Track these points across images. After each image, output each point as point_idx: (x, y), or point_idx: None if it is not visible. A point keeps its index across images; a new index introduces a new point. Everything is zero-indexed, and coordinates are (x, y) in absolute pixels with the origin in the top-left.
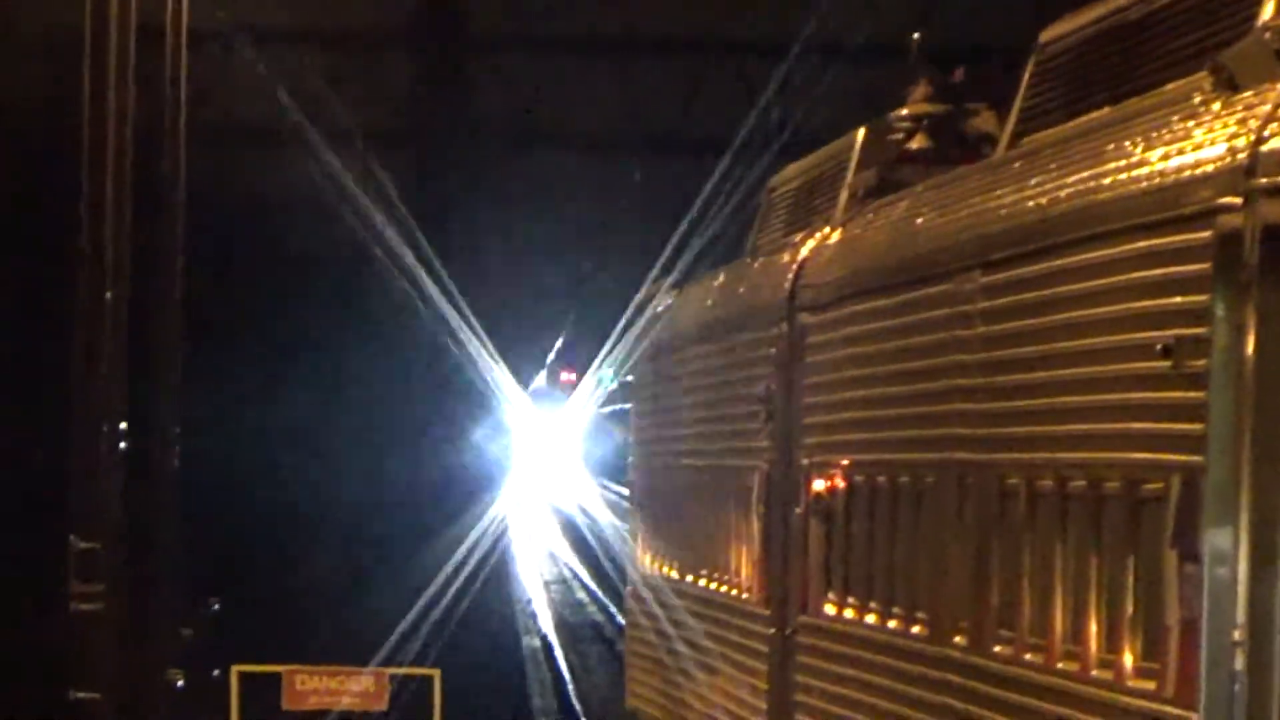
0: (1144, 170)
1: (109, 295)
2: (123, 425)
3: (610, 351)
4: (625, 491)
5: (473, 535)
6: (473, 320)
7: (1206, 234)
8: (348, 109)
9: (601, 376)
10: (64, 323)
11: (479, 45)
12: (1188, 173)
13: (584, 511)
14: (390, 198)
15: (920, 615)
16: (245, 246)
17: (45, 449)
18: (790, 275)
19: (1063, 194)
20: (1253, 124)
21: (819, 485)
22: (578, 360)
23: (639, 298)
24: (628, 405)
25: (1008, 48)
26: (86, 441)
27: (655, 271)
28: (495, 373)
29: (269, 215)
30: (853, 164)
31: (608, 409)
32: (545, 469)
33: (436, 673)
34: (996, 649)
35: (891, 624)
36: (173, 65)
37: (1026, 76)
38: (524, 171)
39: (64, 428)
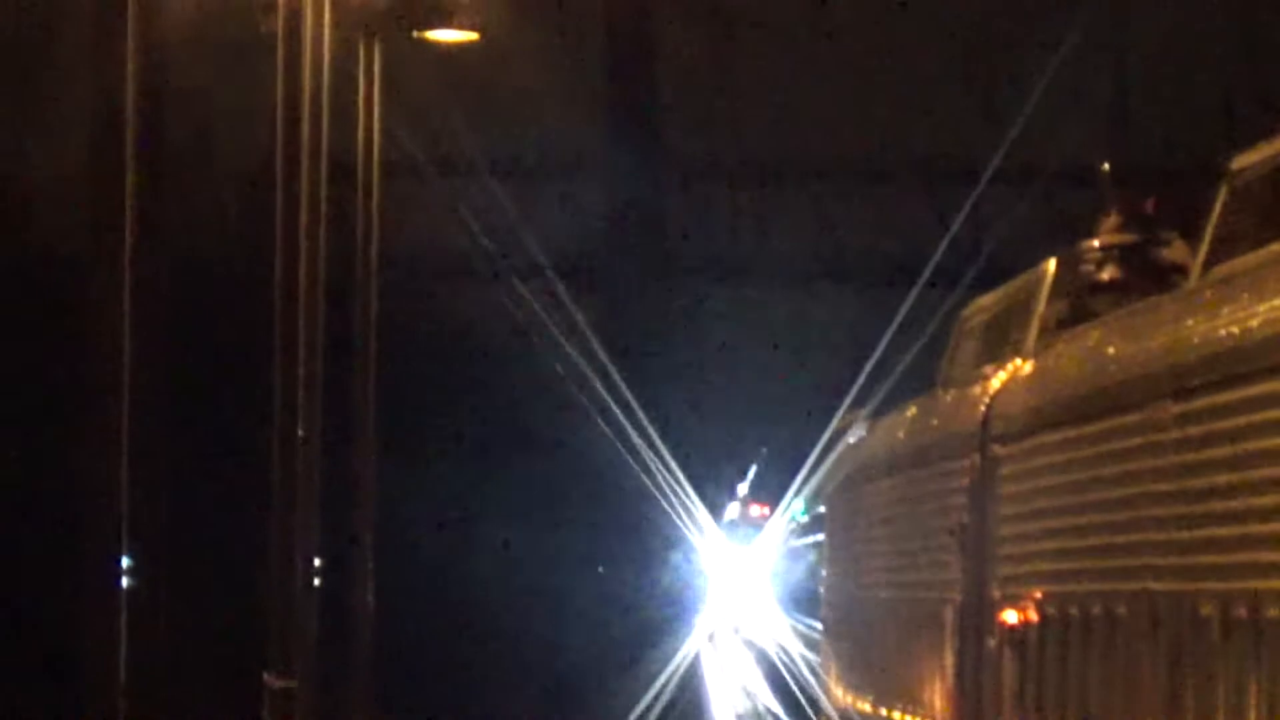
0: None
1: (300, 433)
2: (317, 562)
3: (803, 484)
4: (818, 625)
5: (666, 671)
6: (665, 454)
7: None
8: (541, 242)
9: (794, 510)
10: (261, 460)
11: (674, 176)
12: None
13: (777, 645)
14: (583, 331)
15: None
16: (439, 380)
17: (243, 586)
18: (982, 407)
19: (1255, 323)
20: None
21: (1012, 617)
22: (770, 492)
23: (831, 429)
24: (820, 537)
25: (1199, 173)
26: (283, 578)
27: (847, 402)
28: (689, 507)
29: (463, 348)
30: (1044, 294)
31: (800, 541)
32: (739, 602)
33: None
34: None
35: None
36: (364, 199)
37: (1218, 204)
38: (717, 302)
39: (261, 564)
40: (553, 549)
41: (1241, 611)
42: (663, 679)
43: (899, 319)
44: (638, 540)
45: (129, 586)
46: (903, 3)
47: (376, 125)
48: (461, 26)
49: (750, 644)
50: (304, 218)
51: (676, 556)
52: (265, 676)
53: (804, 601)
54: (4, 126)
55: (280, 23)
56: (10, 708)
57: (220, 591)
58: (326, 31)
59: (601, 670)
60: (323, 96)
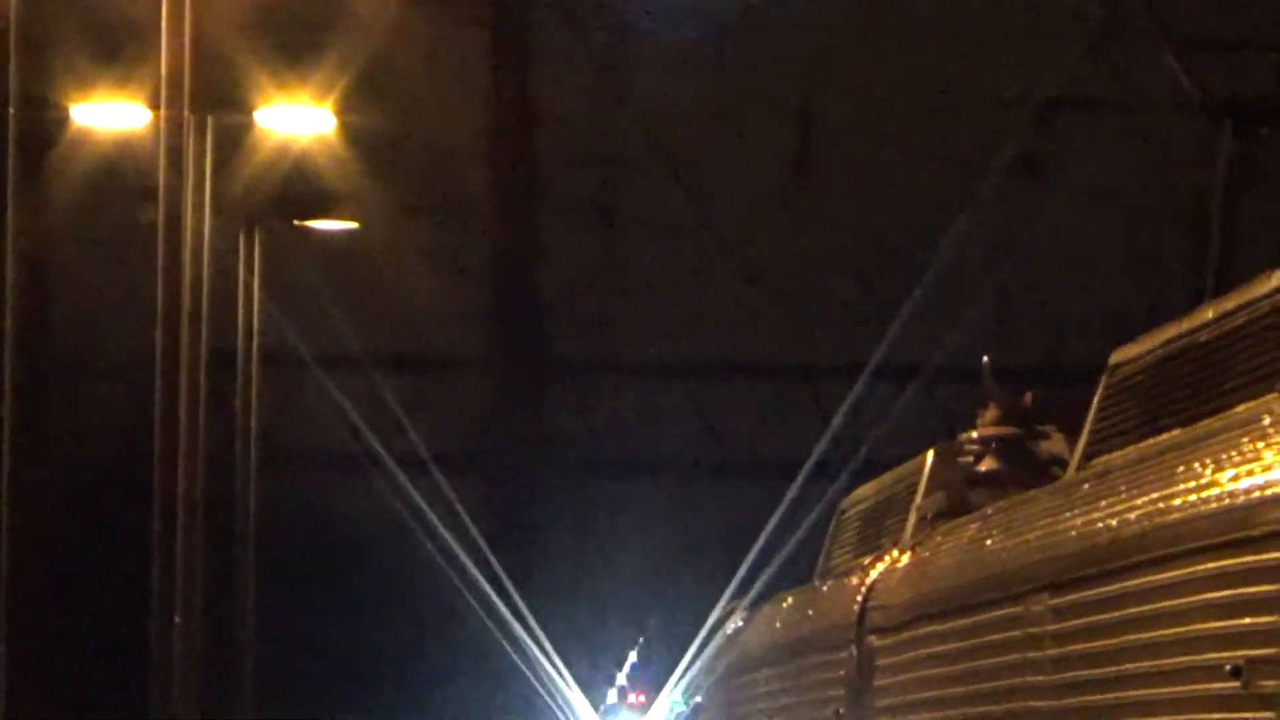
0: (1214, 491)
1: (178, 620)
2: None
3: (683, 674)
4: None
5: None
6: (544, 642)
7: (1277, 555)
8: (422, 432)
9: (673, 700)
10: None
11: (558, 370)
12: (1258, 494)
13: None
14: (464, 522)
15: None
16: (315, 569)
17: None
18: (859, 598)
19: (1133, 516)
20: None
21: None
22: (648, 680)
23: (711, 621)
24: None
25: (1081, 366)
26: None
27: (727, 594)
28: (567, 693)
29: (340, 538)
30: (922, 486)
31: None
32: None
33: None
34: None
35: None
36: (244, 390)
37: (1097, 398)
38: (598, 494)
39: None
40: None
41: None
42: None
43: (779, 512)
44: None
45: None
46: (785, 203)
47: (256, 314)
48: (343, 216)
49: None
50: (183, 411)
51: None
52: None
53: None
54: None
55: (161, 212)
56: None
57: None
58: (207, 221)
59: None
60: (203, 286)
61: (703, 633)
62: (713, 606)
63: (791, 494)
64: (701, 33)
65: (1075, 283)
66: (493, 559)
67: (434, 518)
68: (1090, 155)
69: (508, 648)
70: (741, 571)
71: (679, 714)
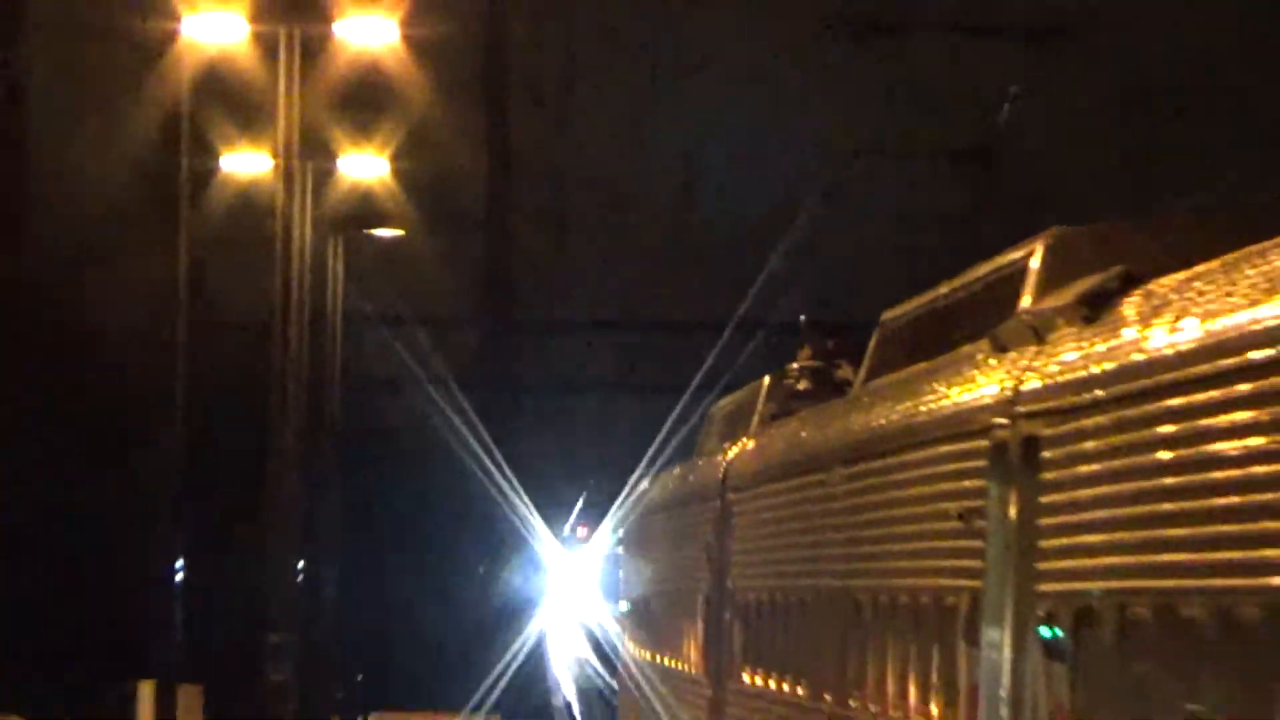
0: (947, 402)
1: (287, 483)
2: (300, 565)
3: (615, 515)
4: (625, 608)
5: (520, 639)
6: (521, 493)
7: (986, 442)
8: (446, 364)
9: (609, 530)
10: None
11: (532, 323)
12: (974, 403)
13: (598, 624)
14: (473, 423)
15: (803, 683)
16: (375, 462)
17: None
18: (722, 469)
19: (894, 417)
20: (1015, 373)
21: (740, 600)
22: (593, 518)
23: (631, 482)
24: (622, 551)
25: (865, 322)
26: (278, 577)
27: (643, 463)
28: (539, 529)
29: (391, 435)
30: (762, 398)
31: (614, 553)
32: (573, 594)
33: (498, 718)
34: (851, 703)
35: (786, 689)
36: (331, 339)
37: (872, 344)
38: (558, 407)
39: (262, 568)
40: (443, 560)
41: (884, 598)
42: (522, 640)
43: (675, 415)
44: (502, 552)
45: None
46: (685, 210)
47: (340, 289)
48: (393, 226)
49: (583, 624)
50: (294, 347)
51: (529, 563)
52: (268, 635)
53: (616, 594)
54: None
55: (278, 223)
56: None
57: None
58: (308, 228)
59: (482, 634)
60: (306, 273)
61: (625, 491)
62: (631, 474)
63: (680, 405)
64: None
65: (872, 268)
66: (493, 448)
67: (454, 422)
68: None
69: (496, 497)
70: (650, 451)
71: (611, 542)
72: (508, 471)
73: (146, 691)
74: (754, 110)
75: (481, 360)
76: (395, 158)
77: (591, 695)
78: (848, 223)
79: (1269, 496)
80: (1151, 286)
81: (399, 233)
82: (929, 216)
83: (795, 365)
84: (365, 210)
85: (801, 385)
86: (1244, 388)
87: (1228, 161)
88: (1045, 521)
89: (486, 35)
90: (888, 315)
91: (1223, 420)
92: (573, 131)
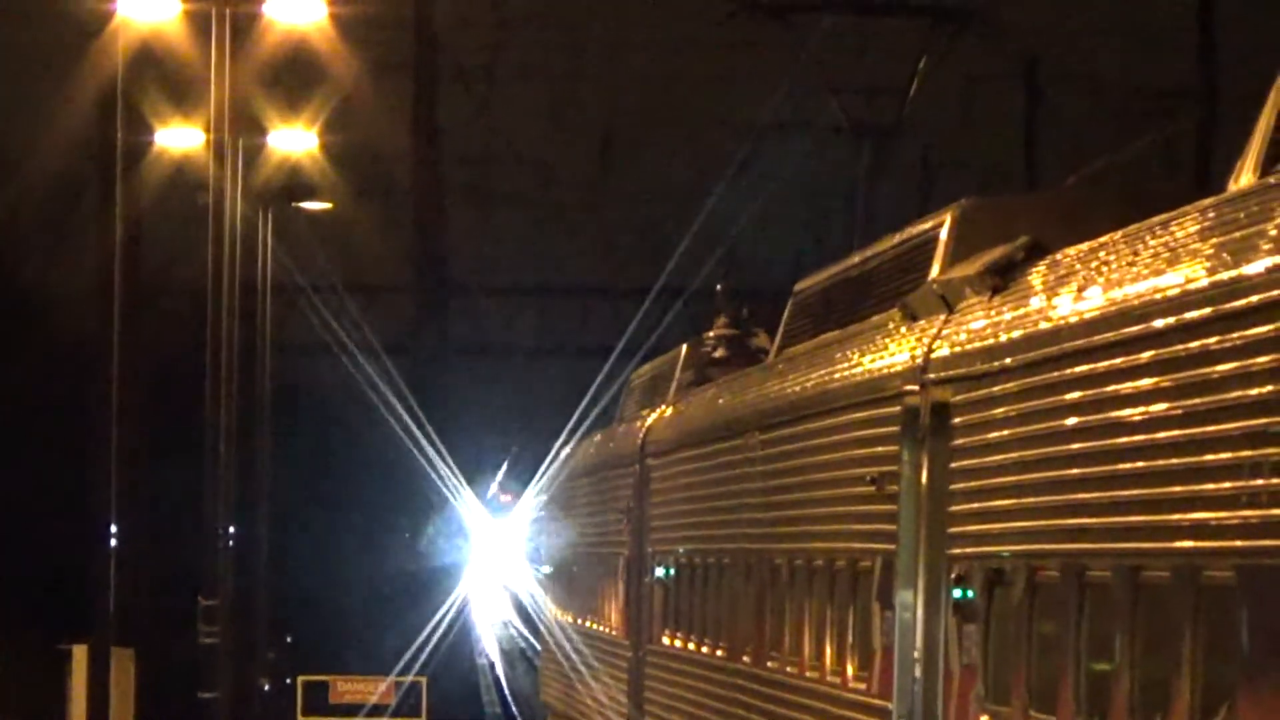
0: (859, 369)
1: (221, 450)
2: (232, 529)
3: (538, 480)
4: (546, 571)
5: (447, 602)
6: (449, 460)
7: (898, 409)
8: (370, 329)
9: (533, 496)
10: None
11: (457, 291)
12: (886, 370)
13: (522, 587)
14: (400, 388)
15: (721, 645)
16: (306, 427)
17: (179, 541)
18: (641, 435)
19: (809, 384)
20: (925, 341)
21: (659, 563)
22: (516, 484)
23: (555, 447)
24: (546, 514)
25: (778, 290)
26: (210, 541)
27: (566, 429)
28: (464, 494)
29: (320, 398)
30: (679, 365)
31: (538, 517)
32: (497, 558)
33: (424, 680)
34: (769, 664)
35: (704, 650)
36: (261, 305)
37: (786, 313)
38: (485, 371)
39: (195, 528)
40: (372, 524)
41: (800, 561)
42: (448, 603)
43: (598, 381)
44: (429, 516)
45: None
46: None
47: (269, 259)
48: (322, 199)
49: (506, 587)
50: (224, 319)
51: (454, 527)
52: (199, 597)
53: (539, 558)
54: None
55: (210, 196)
56: None
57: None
58: (239, 201)
59: (409, 597)
60: (237, 244)
61: (548, 456)
62: (554, 441)
63: (606, 370)
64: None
65: (783, 238)
66: (420, 413)
67: (381, 389)
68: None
69: (425, 464)
70: (575, 416)
71: (536, 506)
72: (434, 437)
73: (80, 655)
74: (670, 87)
75: (411, 326)
76: (324, 133)
77: (515, 656)
78: (759, 194)
79: (1173, 461)
80: (1057, 256)
81: (326, 206)
82: (836, 190)
83: (711, 334)
84: (294, 183)
85: (718, 353)
86: (1147, 355)
87: (1123, 137)
88: (957, 486)
89: (414, 14)
90: (801, 285)
91: (1127, 386)
92: (497, 107)
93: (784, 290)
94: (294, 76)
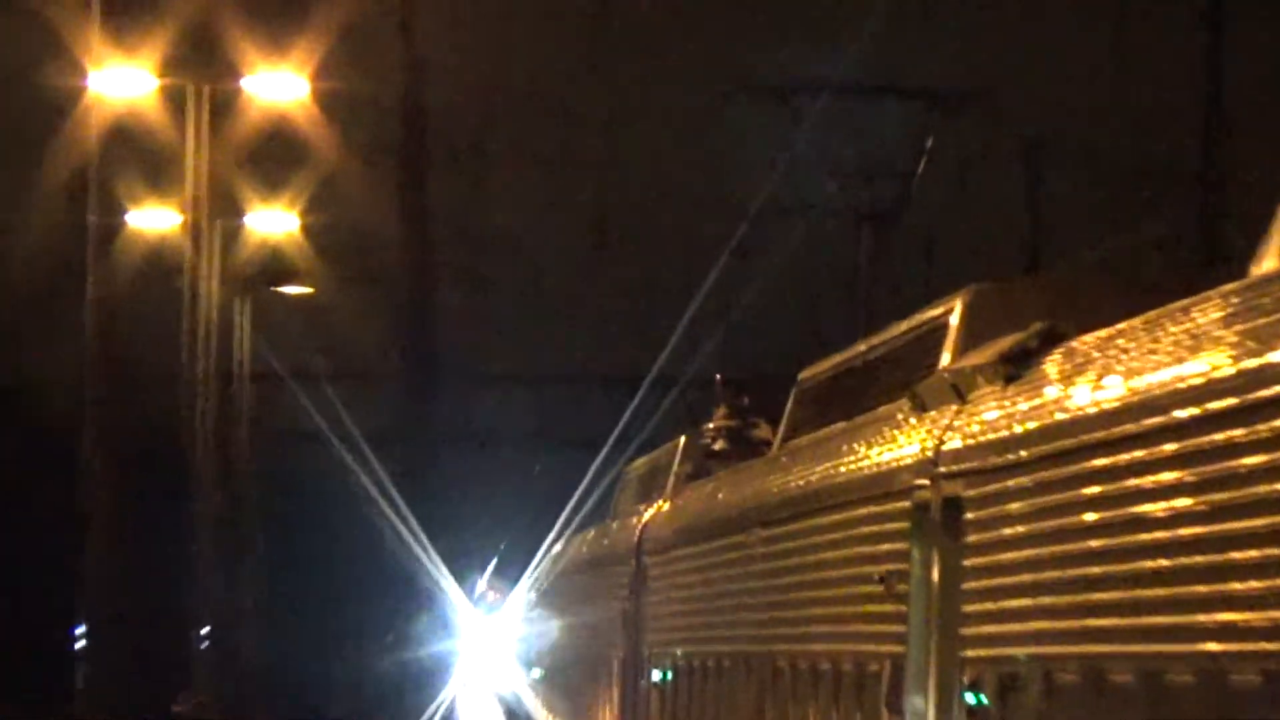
0: (867, 462)
1: (199, 546)
2: (205, 630)
3: (529, 578)
4: (536, 673)
5: (433, 705)
6: (436, 557)
7: (907, 504)
8: (356, 417)
9: (523, 593)
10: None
11: (447, 378)
12: (895, 463)
13: (511, 690)
14: (385, 479)
15: None
16: (291, 511)
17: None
18: (638, 531)
19: (814, 478)
20: (936, 432)
21: (656, 665)
22: (504, 581)
23: (545, 545)
24: (537, 614)
25: (780, 378)
26: (192, 637)
27: (558, 525)
28: (451, 591)
29: (304, 488)
30: (678, 458)
31: (528, 615)
32: (485, 659)
33: None
34: None
35: None
36: (239, 394)
37: (790, 402)
38: (476, 462)
39: (168, 630)
40: (358, 618)
41: (804, 664)
42: (434, 705)
43: (591, 473)
44: (414, 614)
45: None
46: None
47: (247, 347)
48: (303, 283)
49: (496, 690)
50: (200, 403)
51: (441, 625)
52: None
53: (529, 659)
54: None
55: (186, 280)
56: None
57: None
58: (215, 285)
59: (398, 692)
60: (214, 329)
61: (540, 552)
62: (545, 536)
63: (599, 461)
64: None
65: (784, 324)
66: (410, 506)
67: (365, 480)
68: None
69: (415, 559)
70: (566, 511)
71: (526, 604)
72: (420, 530)
73: None
74: (665, 169)
75: (398, 415)
76: (306, 213)
77: None
78: (758, 279)
79: (1197, 559)
80: (1074, 344)
81: (307, 290)
82: (836, 274)
83: (711, 425)
84: (274, 266)
85: (718, 445)
86: (1169, 447)
87: (1132, 219)
88: (969, 585)
89: (401, 92)
90: (806, 374)
91: (1149, 480)
92: (488, 188)
93: (786, 378)
94: (275, 156)
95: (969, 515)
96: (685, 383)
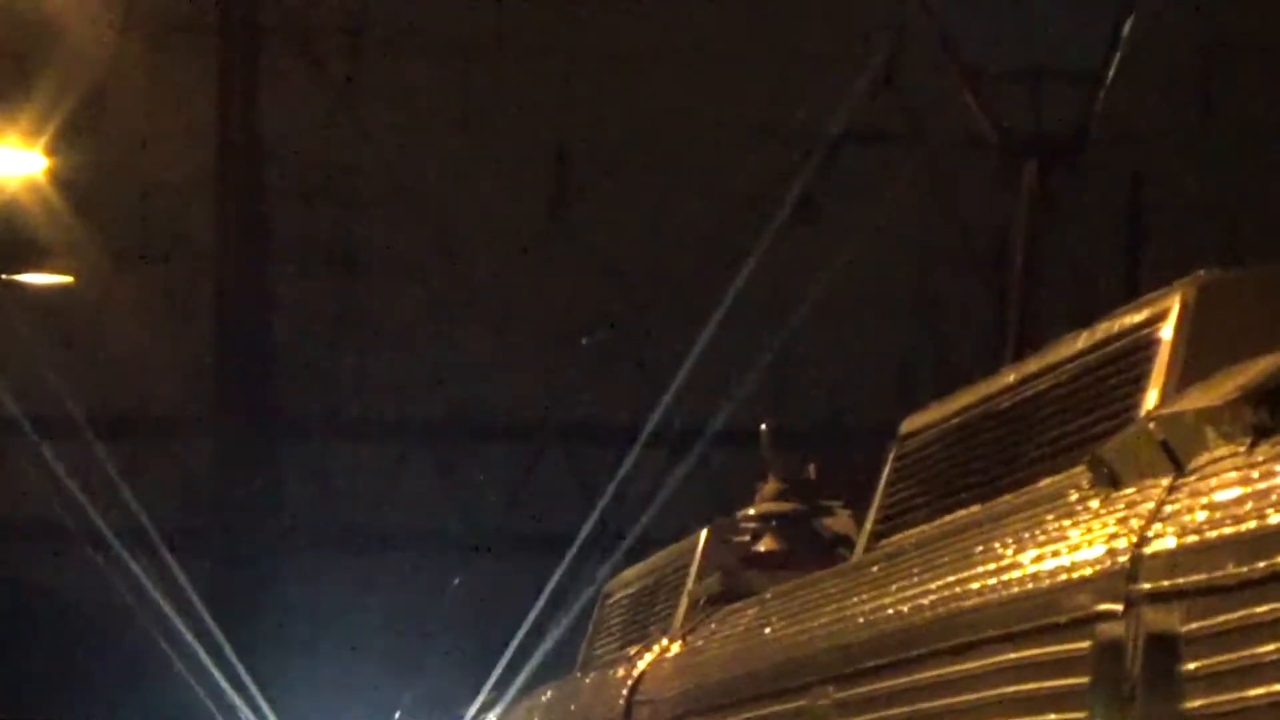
0: (1016, 574)
1: None
2: None
3: None
4: None
5: None
6: None
7: (1085, 644)
8: (146, 501)
9: None
10: None
11: (287, 432)
12: (1064, 577)
13: None
14: (191, 601)
15: None
16: (26, 655)
17: None
18: (625, 691)
19: (926, 601)
20: (1135, 524)
21: None
22: None
23: (463, 715)
24: None
25: (871, 434)
26: None
27: (487, 685)
28: None
29: (55, 620)
30: (694, 568)
31: None
32: None
33: None
34: None
35: None
36: None
37: (886, 471)
38: (335, 569)
39: None
40: None
41: None
42: None
43: (546, 593)
44: None
45: None
46: (541, 248)
47: None
48: (56, 270)
49: None
50: None
51: None
52: None
53: None
54: None
55: None
56: None
57: None
58: None
59: None
60: None
61: None
62: (469, 695)
63: (552, 574)
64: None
65: (861, 337)
66: (224, 643)
67: (157, 598)
68: (877, 196)
69: None
70: (503, 661)
71: None
72: (247, 683)
73: None
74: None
75: (209, 496)
76: (55, 149)
77: None
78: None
79: None
80: None
81: (63, 279)
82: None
83: (751, 510)
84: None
85: (763, 545)
86: None
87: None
88: None
89: None
90: (913, 424)
91: None
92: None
93: (876, 432)
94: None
95: (1189, 665)
96: (708, 438)
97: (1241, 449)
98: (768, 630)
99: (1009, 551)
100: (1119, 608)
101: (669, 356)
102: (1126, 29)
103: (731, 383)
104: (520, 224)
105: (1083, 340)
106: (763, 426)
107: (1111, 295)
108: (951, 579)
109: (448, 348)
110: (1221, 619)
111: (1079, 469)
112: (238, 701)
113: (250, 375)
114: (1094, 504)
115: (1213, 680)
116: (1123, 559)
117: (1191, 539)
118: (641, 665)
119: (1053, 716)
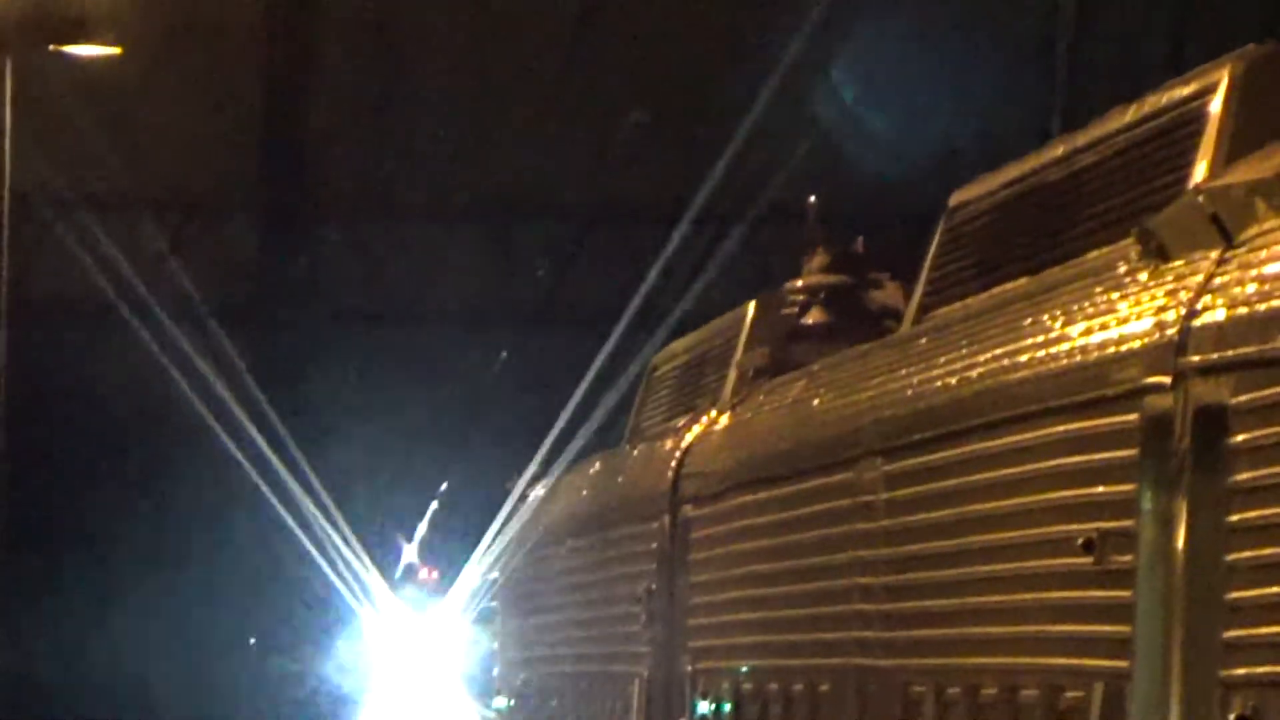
0: (1064, 347)
1: None
2: None
3: (485, 548)
4: (503, 704)
5: None
6: (334, 514)
7: (1133, 417)
8: (190, 277)
9: (474, 574)
10: None
11: (328, 210)
12: (1112, 350)
13: None
14: (239, 375)
15: None
16: (75, 435)
17: None
18: (673, 464)
19: (974, 374)
20: (1184, 296)
21: (703, 692)
22: (442, 553)
23: (511, 487)
24: (500, 603)
25: (916, 214)
26: None
27: (535, 460)
28: (356, 568)
29: (102, 400)
30: (742, 340)
31: (486, 607)
32: (412, 683)
33: None
34: None
35: None
36: None
37: (934, 244)
38: (380, 347)
39: None
40: (197, 619)
41: (956, 689)
42: None
43: (596, 367)
44: (295, 610)
45: None
46: (585, 26)
47: (8, 148)
48: (103, 42)
49: None
50: None
51: (340, 627)
52: None
53: (488, 679)
54: None
55: None
56: None
57: None
58: None
59: None
60: None
61: (509, 502)
62: (517, 470)
63: (600, 348)
64: None
65: (909, 113)
66: (271, 414)
67: (205, 373)
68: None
69: (293, 525)
70: (550, 436)
71: (484, 589)
72: (296, 456)
73: None
74: None
75: (252, 270)
76: None
77: None
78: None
79: None
80: None
81: (110, 50)
82: (1020, 18)
83: (799, 283)
84: (55, 11)
85: (810, 317)
86: None
87: None
88: (1235, 556)
89: None
90: (962, 196)
91: None
92: None
93: (924, 205)
94: None
95: (1237, 437)
96: (753, 219)
97: None
98: (815, 402)
99: (1057, 324)
100: (1167, 380)
101: (717, 134)
102: None
103: (777, 161)
104: (568, 1)
105: (1131, 113)
106: (810, 200)
107: (1157, 78)
108: (999, 351)
109: (494, 126)
110: (1271, 391)
111: (1127, 241)
112: (282, 473)
113: (295, 152)
114: (1142, 276)
115: (1261, 453)
116: (1171, 331)
117: (1241, 311)
118: (689, 437)
119: (1101, 489)
